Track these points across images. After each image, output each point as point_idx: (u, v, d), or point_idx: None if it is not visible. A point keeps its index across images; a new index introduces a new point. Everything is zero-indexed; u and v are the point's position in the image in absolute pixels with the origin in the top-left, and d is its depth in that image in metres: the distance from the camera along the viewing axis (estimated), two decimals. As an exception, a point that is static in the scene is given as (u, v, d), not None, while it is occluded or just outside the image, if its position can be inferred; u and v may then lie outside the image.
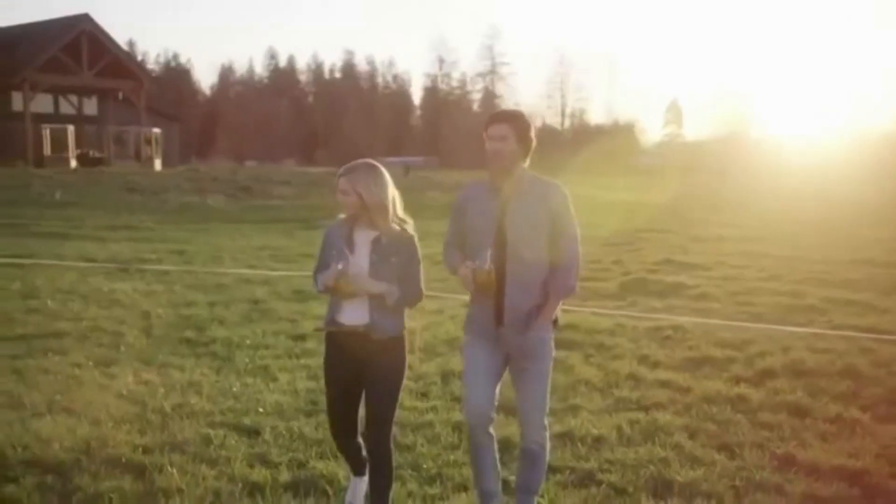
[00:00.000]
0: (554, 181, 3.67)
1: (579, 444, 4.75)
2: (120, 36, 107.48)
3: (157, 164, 40.36)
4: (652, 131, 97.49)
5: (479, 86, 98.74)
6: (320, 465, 4.26)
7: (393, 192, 3.61)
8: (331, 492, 3.98)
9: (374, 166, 3.63)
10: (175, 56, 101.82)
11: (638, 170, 58.76)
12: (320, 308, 8.81)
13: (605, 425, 5.12)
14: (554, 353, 3.72)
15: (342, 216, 3.66)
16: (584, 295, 10.54)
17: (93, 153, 39.70)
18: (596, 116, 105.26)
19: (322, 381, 3.90)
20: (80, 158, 38.61)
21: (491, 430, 3.68)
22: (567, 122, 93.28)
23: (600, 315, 8.95)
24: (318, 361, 6.52)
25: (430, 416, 5.21)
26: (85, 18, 40.10)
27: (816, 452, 4.69)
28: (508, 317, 3.64)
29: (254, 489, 3.91)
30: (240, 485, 3.94)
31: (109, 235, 16.80)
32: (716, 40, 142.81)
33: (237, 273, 11.74)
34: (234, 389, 5.69)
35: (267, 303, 9.37)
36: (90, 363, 6.32)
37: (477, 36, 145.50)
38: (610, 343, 7.55)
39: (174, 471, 4.03)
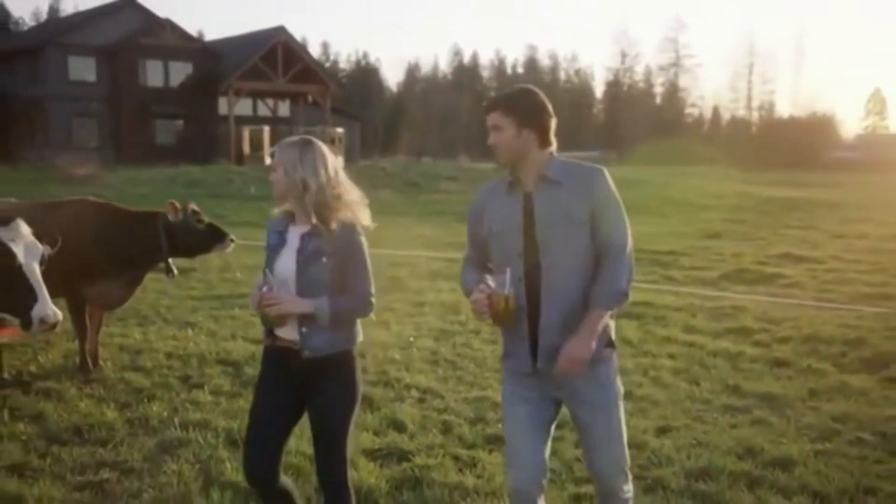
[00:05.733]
0: (592, 165, 3.07)
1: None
2: (315, 39, 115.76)
3: (340, 161, 44.18)
4: (850, 123, 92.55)
5: (662, 79, 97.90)
6: (394, 371, 6.46)
7: (330, 177, 3.13)
8: (398, 385, 6.10)
9: (310, 142, 3.18)
10: (365, 55, 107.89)
11: (833, 165, 56.02)
12: (445, 284, 11.05)
13: None
14: (620, 386, 3.11)
15: (279, 209, 3.26)
16: (684, 281, 12.08)
17: (285, 152, 44.09)
18: (787, 108, 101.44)
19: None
20: (271, 157, 43.04)
21: (540, 501, 3.09)
22: (755, 115, 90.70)
23: (678, 295, 10.52)
24: (427, 321, 8.69)
25: (487, 354, 7.20)
26: (281, 30, 44.68)
27: (759, 384, 6.23)
28: (546, 350, 2.97)
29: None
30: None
31: (292, 224, 19.80)
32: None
33: (388, 256, 14.12)
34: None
35: (404, 280, 11.59)
36: (263, 314, 8.82)
37: (661, 28, 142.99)
38: (671, 316, 9.05)
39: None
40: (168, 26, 44.41)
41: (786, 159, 54.75)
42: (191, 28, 55.30)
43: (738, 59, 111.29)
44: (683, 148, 75.25)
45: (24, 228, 4.58)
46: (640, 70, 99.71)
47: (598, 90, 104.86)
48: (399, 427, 5.09)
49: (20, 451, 4.61)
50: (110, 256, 6.10)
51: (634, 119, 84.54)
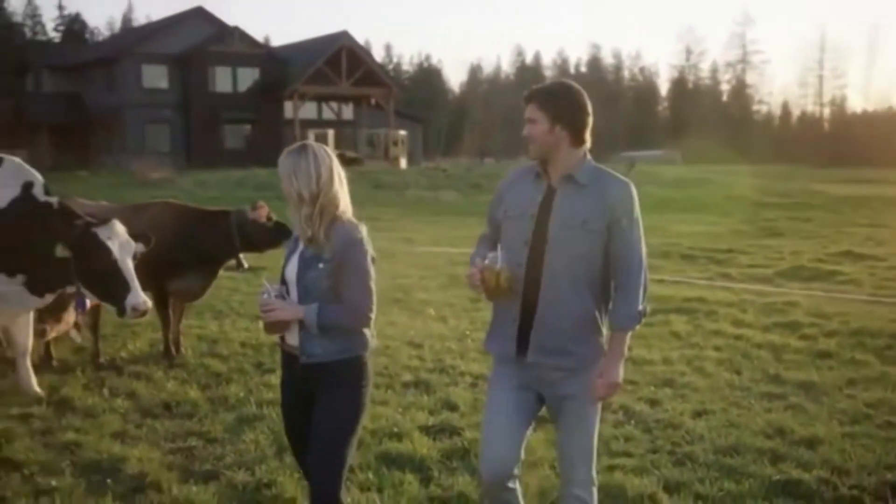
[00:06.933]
0: (620, 177, 3.06)
1: (630, 364, 6.89)
2: (378, 41, 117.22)
3: (403, 163, 44.89)
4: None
5: (729, 75, 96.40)
6: (449, 360, 6.91)
7: (324, 183, 3.07)
8: (453, 372, 6.55)
9: (304, 149, 3.12)
10: (427, 57, 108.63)
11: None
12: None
13: (660, 355, 7.15)
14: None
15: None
16: (740, 278, 12.23)
17: (348, 154, 45.04)
18: (860, 103, 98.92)
19: None
20: (338, 159, 43.91)
21: (511, 484, 3.12)
22: (825, 111, 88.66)
23: (732, 291, 10.69)
24: (482, 316, 9.09)
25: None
26: (344, 35, 45.64)
27: (800, 374, 6.47)
28: (536, 343, 3.02)
29: (408, 370, 6.63)
30: (400, 365, 6.67)
31: (355, 225, 20.49)
32: None
33: (448, 254, 14.60)
34: (416, 326, 8.44)
35: (462, 277, 12.03)
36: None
37: (727, 23, 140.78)
38: (722, 311, 9.18)
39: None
40: (236, 34, 45.76)
41: (859, 156, 53.45)
42: (257, 34, 56.79)
43: (808, 53, 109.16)
44: (751, 145, 73.97)
45: (119, 228, 5.19)
46: (705, 67, 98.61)
47: (663, 88, 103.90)
48: (452, 407, 5.55)
49: (119, 421, 5.26)
50: (190, 252, 6.70)
51: (701, 117, 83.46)
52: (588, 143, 3.07)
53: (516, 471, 3.11)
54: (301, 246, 3.14)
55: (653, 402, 5.74)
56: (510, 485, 3.11)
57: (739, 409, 5.63)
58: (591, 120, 3.05)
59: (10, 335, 5.83)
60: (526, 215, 3.05)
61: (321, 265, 3.05)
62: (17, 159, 5.62)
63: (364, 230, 3.12)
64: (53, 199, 5.49)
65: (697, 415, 5.47)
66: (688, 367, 6.75)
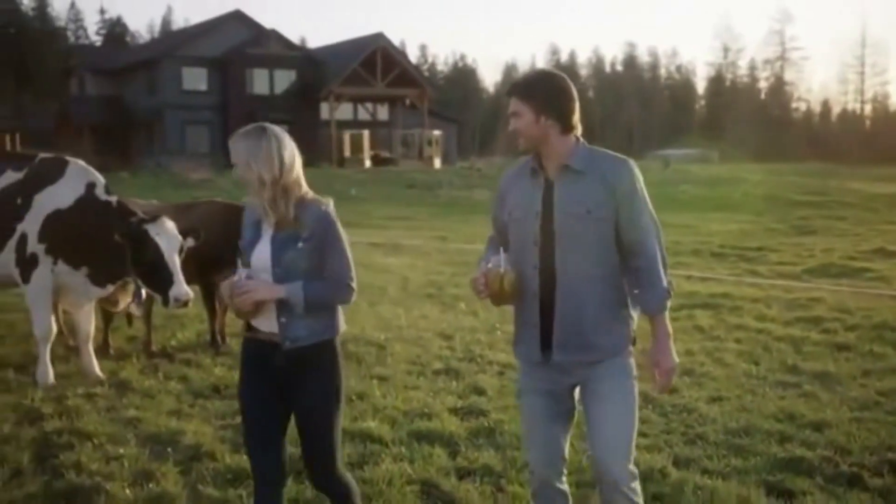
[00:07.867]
0: (619, 156, 2.99)
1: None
2: (413, 41, 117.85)
3: (437, 163, 45.34)
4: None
5: (767, 73, 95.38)
6: (479, 350, 7.28)
7: (287, 166, 2.99)
8: (481, 361, 6.91)
9: (262, 131, 3.02)
10: (462, 57, 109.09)
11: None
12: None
13: (682, 347, 7.36)
14: (635, 383, 3.06)
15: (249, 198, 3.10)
16: (768, 275, 12.43)
17: (383, 154, 45.68)
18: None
19: None
20: (373, 159, 44.71)
21: (560, 484, 3.13)
22: (867, 108, 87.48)
23: (759, 288, 10.90)
24: (511, 309, 9.40)
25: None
26: (380, 37, 46.25)
27: (816, 364, 6.69)
28: (559, 342, 2.96)
29: (439, 359, 7.01)
30: (432, 355, 7.05)
31: (389, 224, 20.98)
32: None
33: (481, 252, 14.91)
34: (448, 319, 8.82)
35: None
36: (364, 303, 9.74)
37: (765, 20, 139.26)
38: (747, 306, 9.38)
39: (397, 347, 7.28)
40: (273, 36, 46.53)
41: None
42: (294, 36, 57.46)
43: (848, 49, 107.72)
44: (790, 144, 73.24)
45: (168, 224, 5.64)
46: (743, 64, 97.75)
47: (700, 86, 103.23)
48: (480, 392, 5.91)
49: (173, 401, 5.74)
50: (235, 248, 7.11)
51: (738, 115, 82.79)
52: (579, 129, 2.99)
53: (563, 469, 3.11)
54: (270, 231, 3.04)
55: (671, 390, 6.02)
56: (560, 485, 3.11)
57: (754, 396, 5.90)
58: (576, 105, 2.97)
59: (74, 323, 6.33)
60: (530, 214, 2.98)
61: (301, 244, 2.97)
62: (82, 162, 6.13)
63: (331, 205, 3.07)
64: (113, 199, 5.98)
65: (712, 400, 5.76)
66: (707, 358, 7.01)
